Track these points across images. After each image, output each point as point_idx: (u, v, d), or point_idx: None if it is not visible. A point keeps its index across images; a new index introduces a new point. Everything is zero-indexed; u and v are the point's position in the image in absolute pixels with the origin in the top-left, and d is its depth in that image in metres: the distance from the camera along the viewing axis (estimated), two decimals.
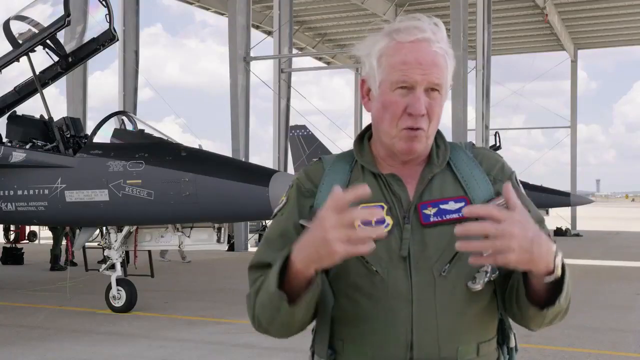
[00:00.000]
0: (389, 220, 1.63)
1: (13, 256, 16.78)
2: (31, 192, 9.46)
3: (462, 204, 1.64)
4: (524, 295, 1.57)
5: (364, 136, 1.75)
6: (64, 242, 15.45)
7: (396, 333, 1.60)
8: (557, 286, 1.52)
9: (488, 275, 1.58)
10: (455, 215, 1.63)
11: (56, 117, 9.89)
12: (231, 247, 18.98)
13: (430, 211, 1.64)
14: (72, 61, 10.19)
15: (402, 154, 1.65)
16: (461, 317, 1.61)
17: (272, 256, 1.65)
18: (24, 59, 9.64)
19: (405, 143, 1.62)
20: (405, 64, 1.59)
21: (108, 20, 9.93)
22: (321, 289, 1.62)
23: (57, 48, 9.93)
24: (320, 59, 34.25)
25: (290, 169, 25.49)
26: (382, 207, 1.65)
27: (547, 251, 1.46)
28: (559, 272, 1.50)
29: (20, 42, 9.53)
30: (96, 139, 9.37)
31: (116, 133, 9.56)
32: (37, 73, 9.91)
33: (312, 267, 1.49)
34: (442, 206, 1.64)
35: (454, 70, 1.67)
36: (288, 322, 1.60)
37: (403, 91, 1.60)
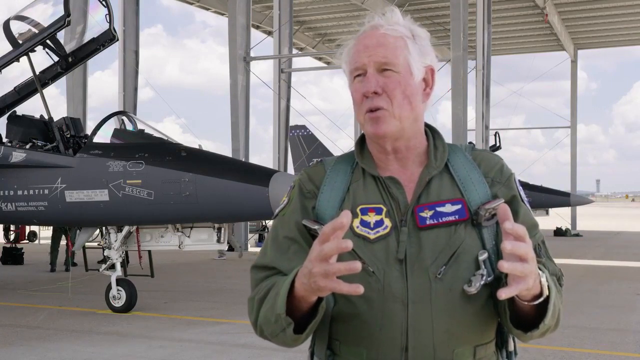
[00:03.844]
0: (387, 222, 1.64)
1: (13, 256, 16.79)
2: (31, 192, 9.46)
3: (459, 206, 1.65)
4: (507, 319, 1.58)
5: (364, 139, 1.76)
6: (62, 242, 15.42)
7: (391, 335, 1.60)
8: (542, 307, 1.53)
9: (484, 278, 1.58)
10: (451, 218, 1.63)
11: (56, 117, 9.90)
12: (231, 247, 18.96)
13: (427, 214, 1.64)
14: (72, 61, 10.19)
15: (373, 137, 1.67)
16: (457, 319, 1.60)
17: (275, 258, 1.68)
18: (24, 59, 9.64)
19: (371, 126, 1.65)
20: (356, 53, 1.67)
21: (108, 20, 9.92)
22: None
23: (57, 48, 9.93)
24: (320, 59, 34.25)
25: (290, 169, 25.51)
26: (381, 210, 1.65)
27: (536, 275, 1.46)
28: (546, 291, 1.50)
29: (20, 42, 9.53)
30: (96, 139, 9.37)
31: (116, 133, 9.56)
32: (37, 73, 9.91)
33: (313, 295, 1.49)
34: (438, 209, 1.64)
35: (423, 51, 1.67)
36: (293, 342, 1.61)
37: (359, 78, 1.66)
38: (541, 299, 1.50)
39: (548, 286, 1.51)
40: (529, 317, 1.55)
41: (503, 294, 1.41)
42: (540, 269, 1.50)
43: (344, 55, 1.72)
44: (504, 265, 1.38)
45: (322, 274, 1.40)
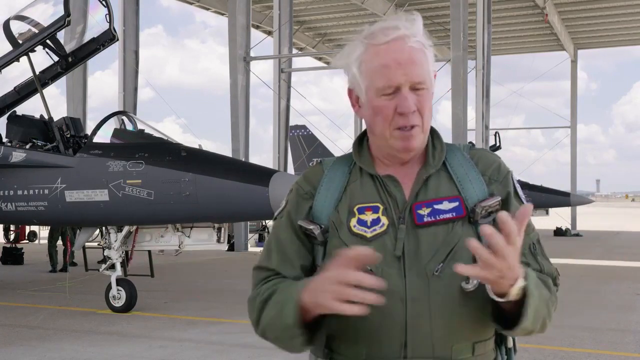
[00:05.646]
0: (384, 220, 1.65)
1: (13, 256, 16.78)
2: (31, 192, 9.46)
3: (456, 203, 1.66)
4: (488, 312, 1.58)
5: (363, 138, 1.77)
6: (59, 242, 15.37)
7: (390, 332, 1.61)
8: (521, 307, 1.51)
9: None
10: (448, 215, 1.64)
11: (56, 117, 9.90)
12: (231, 247, 18.99)
13: (424, 211, 1.65)
14: (72, 61, 10.19)
15: (401, 152, 1.67)
16: (455, 316, 1.61)
17: (278, 263, 1.70)
18: (24, 59, 9.64)
19: (402, 142, 1.64)
20: (385, 67, 1.61)
21: (108, 20, 9.93)
22: None
23: (57, 48, 9.93)
24: (320, 59, 34.26)
25: (290, 169, 25.53)
26: (378, 208, 1.66)
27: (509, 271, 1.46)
28: (509, 298, 1.48)
29: (20, 42, 9.53)
30: (96, 139, 9.37)
31: (116, 133, 9.56)
32: (37, 73, 9.91)
33: (318, 310, 1.51)
34: (436, 206, 1.65)
35: (432, 58, 1.67)
36: (300, 349, 1.62)
37: (390, 96, 1.62)
38: (505, 299, 1.49)
39: (526, 292, 1.49)
40: (509, 314, 1.55)
41: (460, 267, 1.43)
42: (525, 277, 1.49)
43: (355, 59, 1.66)
44: (472, 244, 1.41)
45: (335, 296, 1.44)
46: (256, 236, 23.66)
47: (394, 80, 1.60)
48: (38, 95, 9.97)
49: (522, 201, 1.72)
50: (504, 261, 1.41)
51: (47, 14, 9.66)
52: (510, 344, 1.74)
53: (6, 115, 10.40)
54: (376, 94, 1.63)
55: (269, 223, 22.98)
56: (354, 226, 1.66)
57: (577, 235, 30.08)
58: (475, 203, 1.65)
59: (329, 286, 1.44)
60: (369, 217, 1.66)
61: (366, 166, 1.72)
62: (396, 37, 1.61)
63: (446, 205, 1.65)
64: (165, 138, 9.59)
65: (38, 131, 9.99)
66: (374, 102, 1.64)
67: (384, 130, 1.64)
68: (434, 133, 1.75)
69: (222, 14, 26.16)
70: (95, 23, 10.17)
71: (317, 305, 1.49)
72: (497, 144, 24.51)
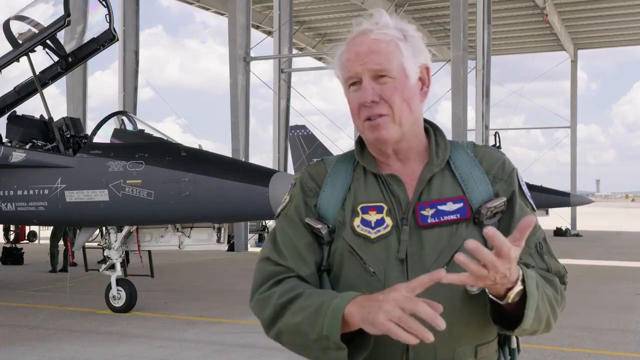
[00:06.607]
0: (388, 221, 1.63)
1: (13, 256, 16.79)
2: (31, 192, 9.46)
3: (461, 204, 1.63)
4: (487, 311, 1.56)
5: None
6: (60, 242, 15.37)
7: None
8: (521, 309, 1.50)
9: None
10: (453, 217, 1.62)
11: (56, 117, 9.90)
12: (231, 247, 19.00)
13: (428, 212, 1.62)
14: (72, 61, 10.19)
15: (375, 143, 1.66)
16: (458, 319, 1.58)
17: (294, 262, 1.64)
18: (24, 59, 9.64)
19: (371, 132, 1.63)
20: (348, 61, 1.64)
21: (108, 20, 9.93)
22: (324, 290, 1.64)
23: (57, 48, 9.93)
24: (320, 59, 34.23)
25: (290, 169, 25.54)
26: (382, 208, 1.64)
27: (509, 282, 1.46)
28: (508, 301, 1.48)
29: (20, 42, 9.53)
30: (96, 139, 9.37)
31: (116, 133, 9.56)
32: (37, 73, 9.91)
33: (362, 325, 1.45)
34: (440, 207, 1.63)
35: (416, 50, 1.64)
36: None
37: (355, 87, 1.64)
38: (504, 302, 1.48)
39: (525, 292, 1.48)
40: (510, 314, 1.53)
41: (448, 277, 1.39)
42: (524, 279, 1.47)
43: (336, 61, 1.69)
44: (460, 258, 1.38)
45: (394, 317, 1.39)
46: (256, 236, 23.66)
47: (352, 71, 1.63)
48: (38, 95, 9.97)
49: (527, 200, 1.69)
50: (495, 272, 1.40)
51: (47, 14, 9.66)
52: (513, 344, 1.72)
53: (6, 115, 10.40)
54: (346, 88, 1.66)
55: (269, 223, 23.00)
56: (358, 226, 1.63)
57: (577, 235, 30.09)
58: (480, 204, 1.63)
59: (391, 307, 1.39)
60: (372, 217, 1.64)
61: (369, 165, 1.70)
62: (360, 32, 1.65)
63: (450, 206, 1.63)
64: (165, 138, 9.59)
65: (38, 131, 9.99)
66: (346, 97, 1.68)
67: (356, 123, 1.66)
68: (436, 130, 1.73)
69: (222, 14, 26.17)
70: (95, 23, 10.17)
71: (367, 322, 1.43)
72: (497, 144, 24.48)
